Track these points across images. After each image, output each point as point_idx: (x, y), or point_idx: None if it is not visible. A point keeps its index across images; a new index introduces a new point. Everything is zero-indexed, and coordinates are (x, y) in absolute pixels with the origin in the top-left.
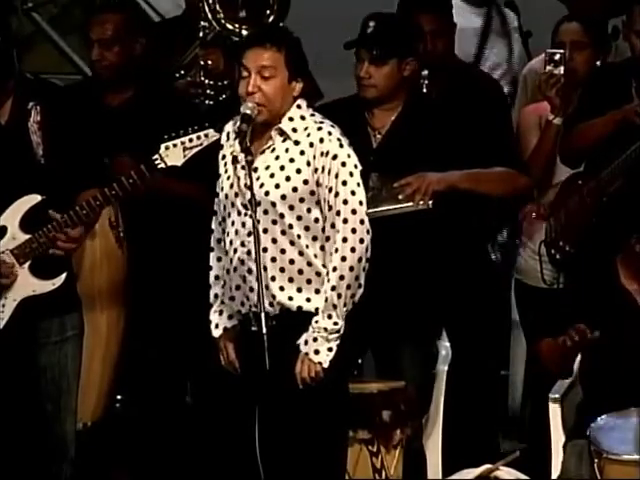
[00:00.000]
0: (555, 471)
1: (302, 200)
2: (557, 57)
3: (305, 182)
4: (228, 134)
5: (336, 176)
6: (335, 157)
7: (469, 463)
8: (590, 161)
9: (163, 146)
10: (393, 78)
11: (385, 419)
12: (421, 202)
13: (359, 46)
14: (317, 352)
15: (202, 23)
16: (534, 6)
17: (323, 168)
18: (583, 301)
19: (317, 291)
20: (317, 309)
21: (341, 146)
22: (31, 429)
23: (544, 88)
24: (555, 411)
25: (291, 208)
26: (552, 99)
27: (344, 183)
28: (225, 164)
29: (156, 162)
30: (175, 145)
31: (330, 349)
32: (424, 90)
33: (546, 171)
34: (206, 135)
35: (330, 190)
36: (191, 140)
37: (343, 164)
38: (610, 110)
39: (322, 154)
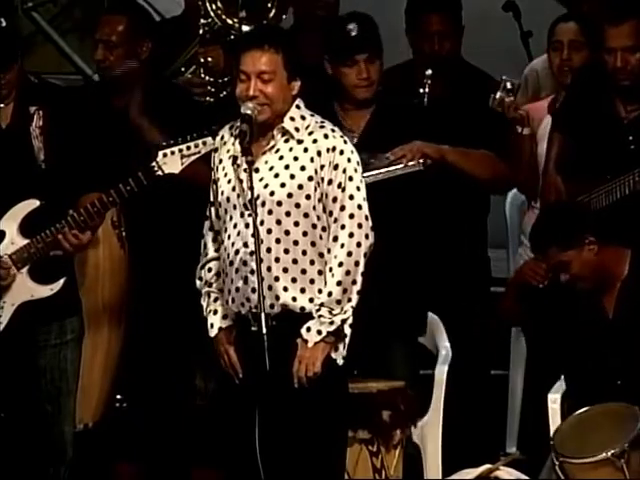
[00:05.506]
0: None
1: (308, 197)
2: (510, 86)
3: (310, 178)
4: (223, 137)
5: (344, 171)
6: (342, 152)
7: (469, 463)
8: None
9: (161, 153)
10: (381, 72)
11: (385, 419)
12: (411, 162)
13: (354, 51)
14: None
15: (202, 21)
16: (534, 6)
17: (330, 163)
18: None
19: (320, 291)
20: (321, 304)
21: (345, 142)
22: (30, 430)
23: (498, 110)
24: (555, 411)
25: (297, 206)
26: (513, 118)
27: (350, 179)
28: (224, 168)
29: (154, 169)
30: (173, 153)
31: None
32: (427, 90)
33: (532, 179)
34: (204, 143)
35: (339, 186)
36: (189, 148)
37: (349, 160)
38: (593, 112)
39: (328, 150)
